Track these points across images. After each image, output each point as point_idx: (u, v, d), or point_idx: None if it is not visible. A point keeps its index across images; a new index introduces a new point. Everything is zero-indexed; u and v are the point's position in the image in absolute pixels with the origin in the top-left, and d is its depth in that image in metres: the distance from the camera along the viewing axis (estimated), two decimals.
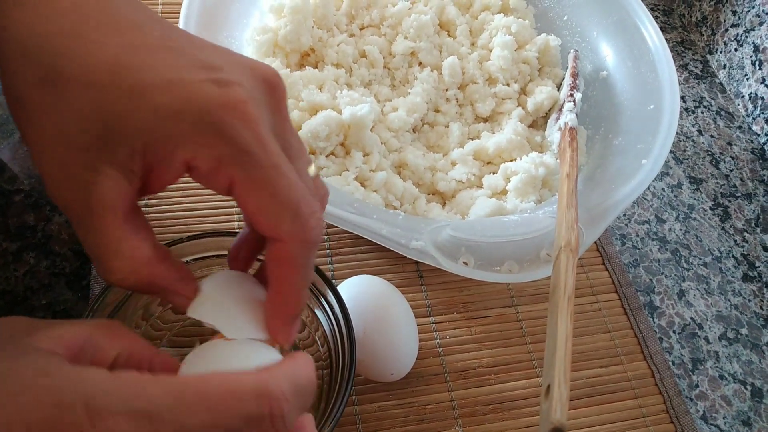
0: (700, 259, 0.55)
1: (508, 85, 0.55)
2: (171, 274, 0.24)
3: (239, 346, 0.25)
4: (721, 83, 0.70)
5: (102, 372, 0.19)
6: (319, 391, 0.38)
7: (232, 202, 0.49)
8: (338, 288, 0.38)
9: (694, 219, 0.58)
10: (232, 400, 0.20)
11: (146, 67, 0.22)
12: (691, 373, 0.48)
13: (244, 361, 0.24)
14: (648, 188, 0.58)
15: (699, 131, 0.65)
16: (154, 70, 0.22)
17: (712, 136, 0.65)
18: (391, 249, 0.39)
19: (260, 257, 0.30)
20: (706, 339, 0.50)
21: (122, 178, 0.22)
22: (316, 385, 0.24)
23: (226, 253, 0.38)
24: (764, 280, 0.54)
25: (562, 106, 0.52)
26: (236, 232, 0.43)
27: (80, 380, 0.18)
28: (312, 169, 0.26)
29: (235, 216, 0.49)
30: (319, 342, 0.39)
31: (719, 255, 0.56)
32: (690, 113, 0.66)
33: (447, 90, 0.54)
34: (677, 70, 0.51)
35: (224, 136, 0.22)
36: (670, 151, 0.46)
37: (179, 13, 0.45)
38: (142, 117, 0.21)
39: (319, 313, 0.38)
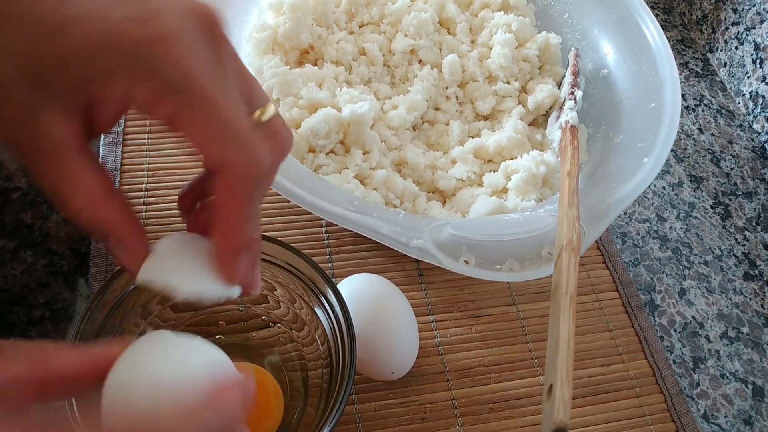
0: (701, 257, 0.55)
1: (508, 83, 0.54)
2: (126, 222, 0.24)
3: (181, 344, 0.24)
4: (721, 81, 0.70)
5: None
6: (319, 391, 0.38)
7: None
8: (338, 286, 0.38)
9: (695, 217, 0.57)
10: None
11: (75, 2, 0.21)
12: (692, 371, 0.48)
13: (184, 362, 0.24)
14: (648, 187, 0.57)
15: (699, 130, 0.65)
16: (83, 4, 0.21)
17: (712, 135, 0.64)
18: (392, 247, 0.38)
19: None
20: (707, 338, 0.50)
21: (65, 117, 0.22)
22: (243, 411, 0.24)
23: None
24: (765, 278, 0.54)
25: (562, 104, 0.52)
26: None
27: None
28: (270, 111, 0.26)
29: None
30: (318, 341, 0.39)
31: (720, 254, 0.55)
32: (690, 112, 0.66)
33: (447, 88, 0.54)
34: (677, 68, 0.50)
35: (151, 71, 0.22)
36: (671, 150, 0.46)
37: None
38: (73, 53, 0.21)
39: (318, 311, 0.38)
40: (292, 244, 0.36)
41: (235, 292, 0.27)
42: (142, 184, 0.49)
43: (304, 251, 0.36)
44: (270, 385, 0.39)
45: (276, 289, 0.40)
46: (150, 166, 0.50)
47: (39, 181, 0.23)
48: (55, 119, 0.22)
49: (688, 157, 0.62)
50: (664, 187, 0.59)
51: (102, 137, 0.50)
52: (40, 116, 0.22)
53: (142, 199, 0.48)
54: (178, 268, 0.26)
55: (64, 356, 0.22)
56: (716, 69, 0.70)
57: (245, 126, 0.24)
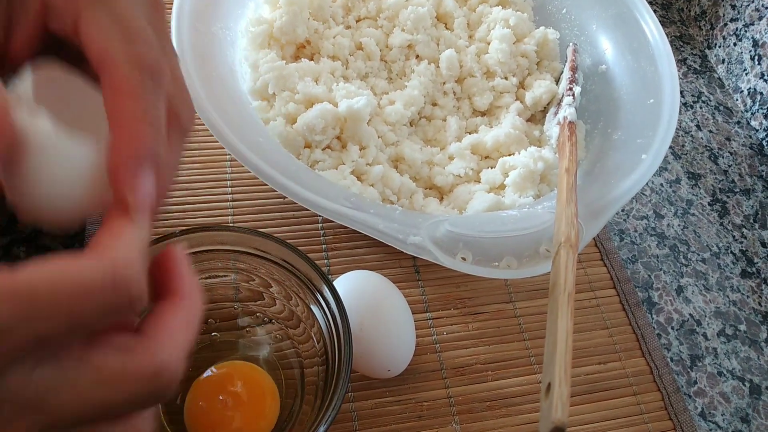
0: (699, 254, 0.55)
1: (506, 78, 0.54)
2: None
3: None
4: (719, 78, 0.69)
5: None
6: (315, 388, 0.37)
7: (226, 196, 0.49)
8: (334, 283, 0.38)
9: (693, 214, 0.57)
10: (88, 299, 0.18)
11: None
12: (689, 369, 0.48)
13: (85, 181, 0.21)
14: (646, 183, 0.57)
15: (697, 126, 0.64)
16: None
17: (710, 132, 0.64)
18: (388, 244, 0.38)
19: None
20: (705, 335, 0.50)
21: None
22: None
23: (220, 247, 0.37)
24: (763, 276, 0.54)
25: (560, 100, 0.52)
26: (230, 226, 0.42)
27: None
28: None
29: (229, 210, 0.48)
30: (314, 338, 0.39)
31: (718, 251, 0.55)
32: (688, 108, 0.66)
33: (444, 83, 0.54)
34: (675, 64, 0.50)
35: None
36: (669, 147, 0.46)
37: (172, 3, 0.45)
38: None
39: (314, 309, 0.38)
40: (287, 241, 0.36)
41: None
42: None
43: (300, 248, 0.36)
44: (266, 383, 0.38)
45: (271, 286, 0.39)
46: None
47: None
48: None
49: (686, 154, 0.62)
50: (661, 184, 0.59)
51: None
52: None
53: None
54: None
55: None
56: (714, 65, 0.70)
57: (145, 33, 0.22)
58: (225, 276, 0.39)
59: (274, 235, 0.36)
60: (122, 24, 0.22)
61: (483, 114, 0.55)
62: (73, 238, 0.46)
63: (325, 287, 0.36)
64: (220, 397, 0.37)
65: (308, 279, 0.37)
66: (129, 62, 0.22)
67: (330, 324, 0.36)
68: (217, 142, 0.50)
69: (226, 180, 0.49)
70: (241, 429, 0.36)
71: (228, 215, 0.48)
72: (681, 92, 0.50)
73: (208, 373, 0.38)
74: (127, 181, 0.21)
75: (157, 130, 0.22)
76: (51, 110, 0.22)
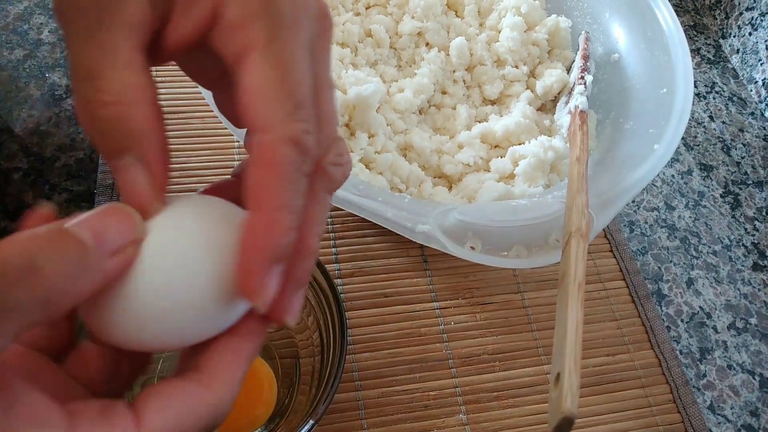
0: (710, 247, 0.54)
1: (516, 67, 0.53)
2: (159, 137, 0.20)
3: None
4: (733, 68, 0.68)
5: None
6: (310, 378, 0.37)
7: None
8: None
9: (704, 206, 0.57)
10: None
11: None
12: (698, 362, 0.48)
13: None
14: (657, 175, 0.57)
15: (710, 117, 0.64)
16: None
17: (723, 123, 0.63)
18: (397, 233, 0.38)
19: None
20: (715, 328, 0.49)
21: (148, 5, 0.19)
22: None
23: None
24: None
25: (572, 89, 0.51)
26: None
27: None
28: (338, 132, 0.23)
29: None
30: (311, 328, 0.39)
31: (729, 243, 0.55)
32: (701, 99, 0.65)
33: (454, 71, 0.53)
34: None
35: None
36: (681, 137, 0.45)
37: None
38: None
39: (311, 298, 0.38)
40: None
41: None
42: None
43: None
44: (263, 372, 0.38)
45: None
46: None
47: (73, 57, 0.19)
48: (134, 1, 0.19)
49: (698, 145, 0.61)
50: (673, 176, 0.58)
51: None
52: None
53: None
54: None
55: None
56: (728, 55, 0.69)
57: (308, 98, 0.20)
58: None
59: None
60: (289, 87, 0.19)
61: (493, 103, 0.54)
62: None
63: (322, 277, 0.36)
64: None
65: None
66: (283, 135, 0.19)
67: (326, 314, 0.36)
68: (226, 129, 0.50)
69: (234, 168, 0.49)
70: (239, 417, 0.36)
71: None
72: (694, 82, 0.49)
73: None
74: (249, 282, 0.19)
75: (296, 214, 0.20)
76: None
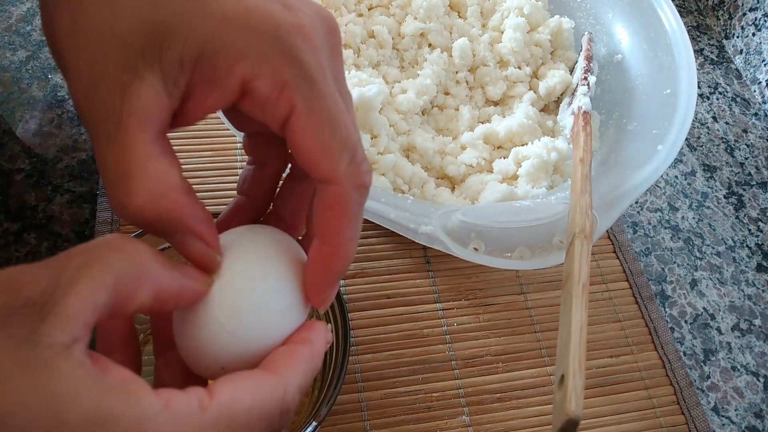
0: (713, 248, 0.54)
1: (519, 68, 0.53)
2: (196, 211, 0.21)
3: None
4: (737, 69, 0.68)
5: (150, 403, 0.18)
6: (313, 380, 0.37)
7: (235, 185, 0.48)
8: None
9: (708, 207, 0.56)
10: (262, 422, 0.20)
11: None
12: (702, 364, 0.47)
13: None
14: (661, 175, 0.56)
15: (714, 118, 0.63)
16: None
17: (727, 123, 0.63)
18: (400, 234, 0.38)
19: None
20: (719, 330, 0.49)
21: (163, 89, 0.20)
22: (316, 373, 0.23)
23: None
24: None
25: (575, 90, 0.51)
26: None
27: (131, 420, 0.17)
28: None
29: None
30: None
31: (733, 244, 0.54)
32: (705, 99, 0.65)
33: (457, 72, 0.53)
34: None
35: (292, 57, 0.20)
36: (685, 138, 0.45)
37: None
38: (207, 21, 0.20)
39: None
40: None
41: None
42: None
43: None
44: None
45: None
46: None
47: (100, 162, 0.20)
48: (151, 90, 0.19)
49: (701, 146, 0.61)
50: (676, 176, 0.58)
51: None
52: (135, 81, 0.19)
53: None
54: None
55: (168, 278, 0.21)
56: (732, 56, 0.69)
57: (358, 137, 0.22)
58: None
59: None
60: (341, 137, 0.21)
61: (496, 103, 0.54)
62: (84, 225, 0.46)
63: None
64: None
65: None
66: (350, 184, 0.22)
67: (329, 315, 0.36)
68: (228, 130, 0.50)
69: (236, 168, 0.49)
70: None
71: None
72: (698, 83, 0.49)
73: None
74: (320, 296, 0.23)
75: (356, 244, 0.23)
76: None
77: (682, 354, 0.47)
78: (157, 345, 0.26)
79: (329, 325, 0.25)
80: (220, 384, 0.20)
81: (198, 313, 0.22)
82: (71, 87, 0.20)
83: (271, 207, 0.27)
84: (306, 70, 0.21)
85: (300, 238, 0.27)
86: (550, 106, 0.54)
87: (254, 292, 0.22)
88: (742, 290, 0.52)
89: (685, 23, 0.50)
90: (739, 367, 0.48)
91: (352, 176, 0.22)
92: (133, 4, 0.19)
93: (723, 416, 0.45)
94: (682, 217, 0.55)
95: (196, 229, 0.21)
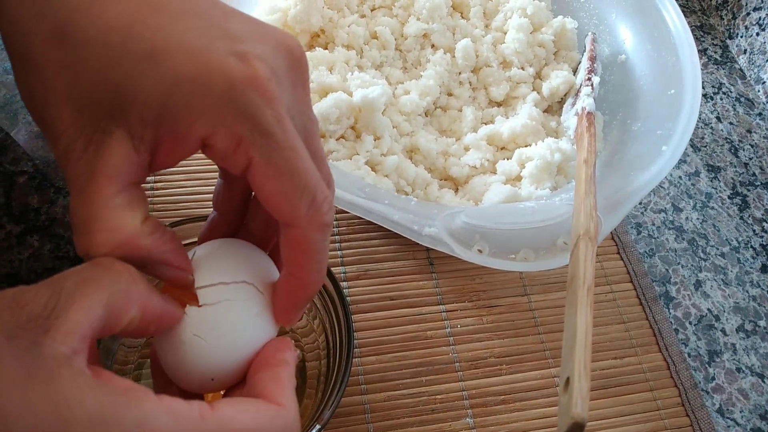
0: (718, 249, 0.54)
1: (522, 68, 0.53)
2: (161, 246, 0.23)
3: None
4: (741, 69, 0.68)
5: (152, 405, 0.18)
6: (317, 382, 0.37)
7: None
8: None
9: (712, 208, 0.56)
10: None
11: (166, 31, 0.20)
12: (707, 365, 0.47)
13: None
14: (665, 176, 0.56)
15: (718, 118, 0.63)
16: (174, 35, 0.20)
17: (731, 124, 0.63)
18: (403, 235, 0.38)
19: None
20: (723, 331, 0.49)
21: (131, 146, 0.21)
22: None
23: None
24: None
25: (578, 91, 0.51)
26: None
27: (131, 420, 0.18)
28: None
29: None
30: (316, 331, 0.38)
31: (737, 245, 0.54)
32: (709, 100, 0.65)
33: (460, 73, 0.53)
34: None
35: (247, 114, 0.21)
36: (689, 139, 0.45)
37: None
38: (159, 84, 0.20)
39: (317, 301, 0.37)
40: None
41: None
42: None
43: None
44: None
45: None
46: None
47: (71, 215, 0.22)
48: (120, 147, 0.21)
49: (705, 146, 0.61)
50: (680, 177, 0.58)
51: None
52: (106, 139, 0.20)
53: (149, 184, 0.47)
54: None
55: (155, 301, 0.22)
56: (736, 56, 0.69)
57: (318, 179, 0.23)
58: None
59: None
60: (300, 184, 0.22)
61: (499, 104, 0.54)
62: None
63: (328, 280, 0.36)
64: None
65: None
66: (310, 227, 0.23)
67: (332, 317, 0.36)
68: None
69: None
70: None
71: None
72: (701, 83, 0.49)
73: None
74: (287, 318, 0.25)
75: (322, 274, 0.25)
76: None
77: (686, 355, 0.47)
78: (157, 385, 0.27)
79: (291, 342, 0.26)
80: (222, 402, 0.21)
81: (178, 332, 0.24)
82: (51, 146, 0.21)
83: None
84: (261, 125, 0.21)
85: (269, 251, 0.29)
86: (553, 107, 0.54)
87: (227, 304, 0.24)
88: (747, 291, 0.52)
89: (688, 23, 0.50)
90: (744, 368, 0.47)
91: (312, 219, 0.23)
92: (90, 69, 0.20)
93: (728, 418, 0.45)
94: (686, 218, 0.55)
95: (163, 260, 0.23)
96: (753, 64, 0.66)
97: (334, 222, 0.48)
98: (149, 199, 0.47)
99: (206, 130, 0.21)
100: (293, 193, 0.22)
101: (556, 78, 0.52)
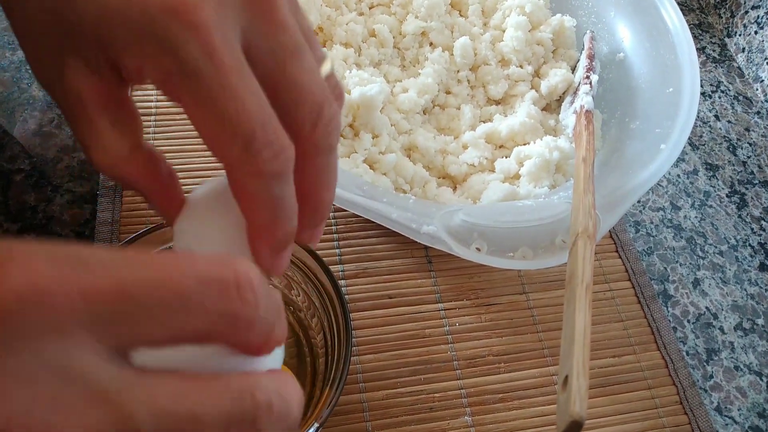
0: (716, 247, 0.54)
1: (521, 66, 0.53)
2: (151, 178, 0.23)
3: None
4: (739, 67, 0.68)
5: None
6: (314, 381, 0.37)
7: None
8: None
9: (710, 206, 0.56)
10: (209, 289, 0.17)
11: None
12: (705, 363, 0.47)
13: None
14: (663, 174, 0.56)
15: (716, 116, 0.63)
16: None
17: (729, 122, 0.63)
18: (402, 234, 0.38)
19: None
20: (721, 329, 0.49)
21: (89, 71, 0.21)
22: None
23: None
24: None
25: (577, 89, 0.51)
26: None
27: None
28: (327, 66, 0.23)
29: None
30: (314, 330, 0.38)
31: (735, 243, 0.54)
32: (707, 98, 0.65)
33: (458, 71, 0.53)
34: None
35: (168, 48, 0.19)
36: (688, 137, 0.45)
37: None
38: (92, 15, 0.20)
39: (315, 299, 0.37)
40: None
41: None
42: None
43: None
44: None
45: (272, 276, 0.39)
46: (155, 145, 0.49)
47: (71, 129, 0.23)
48: (78, 73, 0.21)
49: (703, 145, 0.61)
50: (678, 175, 0.58)
51: None
52: (65, 68, 0.21)
53: None
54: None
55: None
56: (734, 54, 0.69)
57: (258, 121, 0.20)
58: None
59: None
60: (227, 122, 0.20)
61: (497, 103, 0.54)
62: (84, 225, 0.45)
63: (326, 278, 0.36)
64: None
65: (309, 269, 0.37)
66: (244, 172, 0.21)
67: (330, 315, 0.36)
68: None
69: None
70: None
71: None
72: (700, 81, 0.49)
73: None
74: (264, 264, 0.23)
75: (283, 220, 0.22)
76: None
77: (684, 354, 0.47)
78: None
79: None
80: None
81: None
82: (32, 70, 0.23)
83: None
84: (185, 61, 0.19)
85: None
86: (552, 105, 0.54)
87: (207, 242, 0.23)
88: (745, 289, 0.52)
89: (686, 21, 0.50)
90: (742, 366, 0.47)
91: (246, 165, 0.20)
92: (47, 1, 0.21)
93: (726, 416, 0.45)
94: (685, 216, 0.55)
95: (151, 196, 0.23)
96: (751, 62, 0.66)
97: (332, 219, 0.48)
98: None
99: (135, 63, 0.20)
100: (222, 136, 0.20)
101: (555, 76, 0.52)
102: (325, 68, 0.23)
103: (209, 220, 0.23)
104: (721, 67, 0.68)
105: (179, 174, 0.25)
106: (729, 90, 0.66)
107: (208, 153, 0.22)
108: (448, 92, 0.53)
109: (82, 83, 0.21)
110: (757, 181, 0.59)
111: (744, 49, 0.67)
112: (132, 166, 0.22)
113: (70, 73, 0.21)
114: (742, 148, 0.61)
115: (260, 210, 0.22)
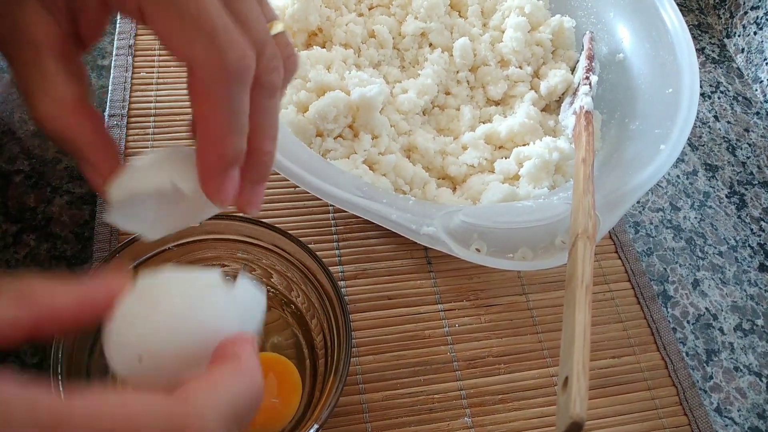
0: (716, 248, 0.54)
1: (520, 67, 0.53)
2: (92, 138, 0.23)
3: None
4: (738, 68, 0.68)
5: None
6: (314, 381, 0.37)
7: None
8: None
9: (710, 207, 0.56)
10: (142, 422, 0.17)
11: None
12: (705, 364, 0.47)
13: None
14: (662, 175, 0.56)
15: (715, 117, 0.63)
16: None
17: (728, 122, 0.63)
18: (401, 234, 0.37)
19: None
20: (721, 330, 0.49)
21: (48, 16, 0.22)
22: (259, 399, 0.20)
23: (220, 237, 0.37)
24: None
25: (576, 90, 0.51)
26: (231, 215, 0.42)
27: None
28: (278, 27, 0.24)
29: None
30: (314, 330, 0.38)
31: (735, 244, 0.54)
32: (706, 99, 0.65)
33: (458, 72, 0.53)
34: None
35: None
36: (687, 138, 0.45)
37: None
38: None
39: (315, 300, 0.37)
40: (298, 230, 0.36)
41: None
42: None
43: (310, 238, 0.36)
44: (291, 372, 0.38)
45: (272, 276, 0.39)
46: (154, 148, 0.49)
47: (16, 79, 0.22)
48: (37, 17, 0.21)
49: (703, 145, 0.61)
50: (678, 176, 0.58)
51: (106, 119, 0.50)
52: (22, 11, 0.21)
53: None
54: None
55: (58, 293, 0.20)
56: (733, 55, 0.69)
57: (219, 22, 0.21)
58: (226, 266, 0.39)
59: (284, 224, 0.35)
60: (188, 16, 0.20)
61: (497, 103, 0.54)
62: (83, 226, 0.45)
63: (326, 279, 0.35)
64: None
65: (309, 270, 0.37)
66: (206, 69, 0.21)
67: (330, 316, 0.36)
68: None
69: None
70: (272, 417, 0.36)
71: None
72: (699, 82, 0.49)
73: None
74: (209, 186, 0.23)
75: (237, 134, 0.22)
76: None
77: (684, 354, 0.47)
78: None
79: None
80: (190, 386, 0.18)
81: None
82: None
83: None
84: None
85: None
86: (551, 106, 0.54)
87: (151, 180, 0.23)
88: (745, 290, 0.52)
89: (686, 22, 0.50)
90: (741, 367, 0.47)
91: (209, 61, 0.21)
92: None
93: (726, 417, 0.45)
94: (684, 217, 0.55)
95: (89, 157, 0.23)
96: (750, 63, 0.66)
97: (332, 220, 0.48)
98: None
99: None
100: (184, 32, 0.21)
101: (554, 77, 0.52)
102: (276, 28, 0.24)
103: (151, 169, 0.23)
104: (721, 68, 0.68)
105: None
106: (728, 90, 0.66)
107: None
108: (447, 93, 0.53)
109: (38, 27, 0.21)
110: (756, 182, 0.59)
111: (743, 49, 0.67)
112: (76, 117, 0.22)
113: (29, 16, 0.21)
114: (741, 149, 0.61)
115: (217, 113, 0.22)
